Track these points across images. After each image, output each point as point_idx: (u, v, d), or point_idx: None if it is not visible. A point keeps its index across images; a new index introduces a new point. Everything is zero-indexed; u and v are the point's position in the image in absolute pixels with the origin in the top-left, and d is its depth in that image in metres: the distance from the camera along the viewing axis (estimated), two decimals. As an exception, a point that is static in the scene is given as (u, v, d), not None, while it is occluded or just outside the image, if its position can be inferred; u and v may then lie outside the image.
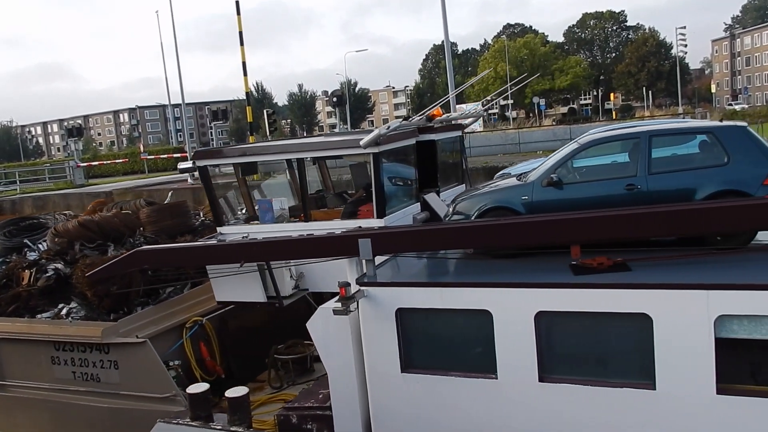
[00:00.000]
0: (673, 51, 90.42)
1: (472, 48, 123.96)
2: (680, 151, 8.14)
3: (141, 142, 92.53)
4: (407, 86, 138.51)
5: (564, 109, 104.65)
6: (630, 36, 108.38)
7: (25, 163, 70.70)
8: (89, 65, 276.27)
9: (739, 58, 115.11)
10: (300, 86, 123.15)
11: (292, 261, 9.18)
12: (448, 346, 7.59)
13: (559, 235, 7.21)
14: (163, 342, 10.20)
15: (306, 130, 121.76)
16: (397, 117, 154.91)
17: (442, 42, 39.00)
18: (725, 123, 8.11)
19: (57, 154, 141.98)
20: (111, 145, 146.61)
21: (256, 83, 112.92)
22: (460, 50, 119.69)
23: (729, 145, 7.57)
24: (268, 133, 40.13)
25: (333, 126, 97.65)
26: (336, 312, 7.35)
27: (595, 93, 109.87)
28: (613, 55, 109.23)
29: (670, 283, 6.40)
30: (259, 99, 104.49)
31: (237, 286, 9.54)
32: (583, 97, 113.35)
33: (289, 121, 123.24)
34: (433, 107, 10.45)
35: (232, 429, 8.50)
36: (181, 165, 11.35)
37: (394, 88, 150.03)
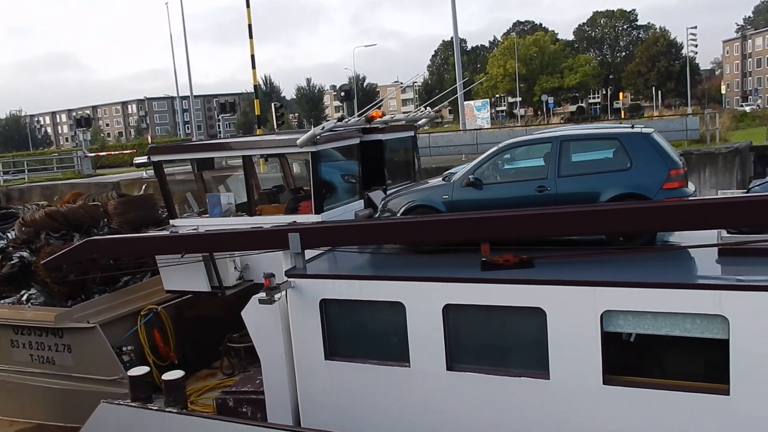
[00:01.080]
0: (684, 51, 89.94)
1: (481, 45, 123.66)
2: (590, 156, 8.52)
3: (149, 134, 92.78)
4: (415, 82, 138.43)
5: (572, 108, 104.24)
6: (640, 35, 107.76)
7: (34, 153, 70.91)
8: (97, 56, 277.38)
9: (750, 60, 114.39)
10: (308, 80, 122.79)
11: (236, 253, 9.61)
12: (366, 336, 8.13)
13: (470, 232, 7.59)
14: (116, 328, 10.64)
15: (314, 124, 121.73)
16: (404, 112, 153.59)
17: (452, 38, 38.90)
18: (630, 130, 8.41)
19: (65, 144, 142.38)
20: (119, 135, 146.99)
21: (265, 76, 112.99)
22: (469, 47, 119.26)
23: (632, 150, 7.93)
24: (275, 127, 40.18)
25: (340, 120, 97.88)
26: (261, 301, 7.83)
27: (604, 92, 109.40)
28: (623, 54, 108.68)
29: (561, 279, 6.82)
30: (267, 92, 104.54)
31: (183, 276, 9.92)
32: (591, 96, 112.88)
33: (296, 114, 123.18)
34: (370, 108, 10.81)
35: (166, 410, 8.85)
36: (137, 160, 12.03)
37: (402, 83, 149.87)
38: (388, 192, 9.97)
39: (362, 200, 10.52)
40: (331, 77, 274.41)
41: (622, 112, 64.59)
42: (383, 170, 11.08)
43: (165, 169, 10.76)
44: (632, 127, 8.65)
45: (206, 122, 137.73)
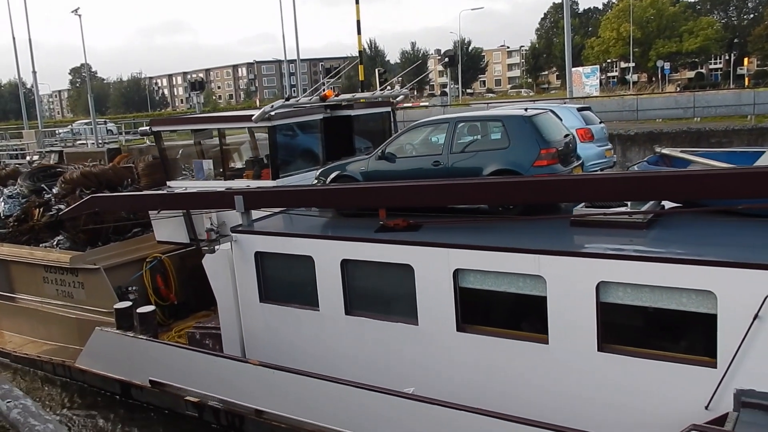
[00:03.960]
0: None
1: (594, 7, 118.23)
2: (478, 136, 9.80)
3: (258, 96, 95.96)
4: (522, 46, 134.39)
5: (691, 74, 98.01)
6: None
7: (152, 114, 75.08)
8: (208, 21, 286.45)
9: None
10: (413, 44, 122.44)
11: (211, 210, 11.15)
12: (288, 284, 9.61)
13: (371, 200, 8.97)
14: (124, 271, 12.69)
15: (417, 89, 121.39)
16: (510, 77, 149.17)
17: (563, 0, 37.51)
18: (514, 113, 9.60)
19: (180, 106, 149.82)
20: (229, 98, 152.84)
21: (369, 40, 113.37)
22: (581, 9, 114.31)
23: (511, 132, 9.10)
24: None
25: (444, 85, 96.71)
26: (204, 251, 10.21)
27: (727, 57, 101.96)
28: (752, 16, 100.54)
29: (424, 241, 8.12)
30: (372, 56, 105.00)
31: (168, 229, 11.97)
32: (713, 61, 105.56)
33: (400, 79, 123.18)
34: (325, 88, 12.38)
35: (140, 337, 10.93)
36: (141, 129, 15.29)
37: (508, 47, 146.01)
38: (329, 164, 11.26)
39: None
40: (437, 41, 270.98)
41: (746, 79, 60.24)
42: (352, 143, 12.70)
43: (164, 139, 13.01)
44: (526, 110, 9.65)
45: (312, 85, 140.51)
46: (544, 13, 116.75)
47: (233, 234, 9.75)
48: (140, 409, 11.16)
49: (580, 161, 10.19)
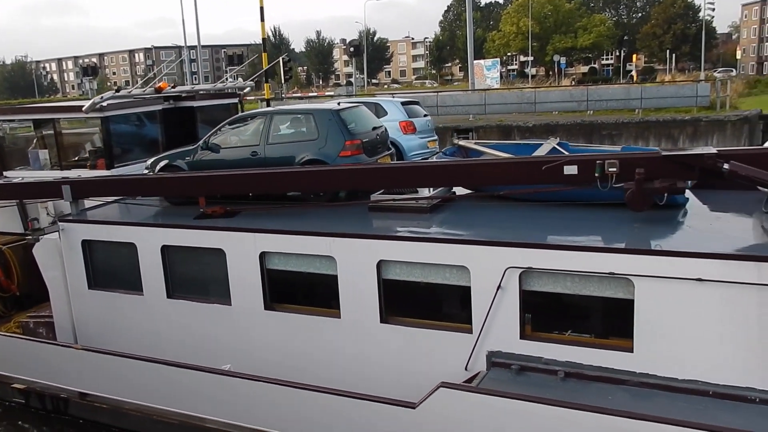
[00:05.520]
0: (701, 14, 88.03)
1: (495, 1, 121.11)
2: (291, 128, 10.42)
3: (175, 82, 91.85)
4: (427, 38, 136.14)
5: (585, 69, 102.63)
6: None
7: (40, 100, 70.66)
8: (101, 1, 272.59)
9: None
10: (318, 33, 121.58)
11: (44, 200, 11.38)
12: (114, 270, 9.94)
13: (190, 188, 9.51)
14: None
15: (322, 78, 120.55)
16: (414, 68, 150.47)
17: (464, -6, 38.14)
18: (325, 107, 10.33)
19: (71, 92, 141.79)
20: (126, 84, 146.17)
21: (274, 27, 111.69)
22: (483, 2, 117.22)
23: (320, 124, 9.78)
24: (283, 81, 39.82)
25: (349, 75, 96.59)
26: (28, 240, 10.62)
27: (617, 53, 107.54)
28: (639, 15, 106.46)
29: (233, 227, 8.72)
30: (276, 44, 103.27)
31: (3, 219, 12.02)
32: (605, 57, 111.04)
33: (305, 68, 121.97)
34: (159, 79, 12.80)
35: None
36: None
37: (413, 39, 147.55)
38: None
39: None
40: (342, 31, 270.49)
41: (635, 75, 63.69)
42: (195, 133, 12.91)
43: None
44: (339, 104, 10.46)
45: (214, 73, 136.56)
46: (448, 6, 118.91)
47: (61, 223, 9.97)
48: None
49: (390, 151, 10.90)
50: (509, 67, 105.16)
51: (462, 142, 10.39)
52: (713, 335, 6.29)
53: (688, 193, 8.48)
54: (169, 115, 12.82)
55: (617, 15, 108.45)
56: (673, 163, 7.09)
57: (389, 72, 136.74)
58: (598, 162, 7.18)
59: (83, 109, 11.25)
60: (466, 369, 7.32)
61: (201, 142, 10.45)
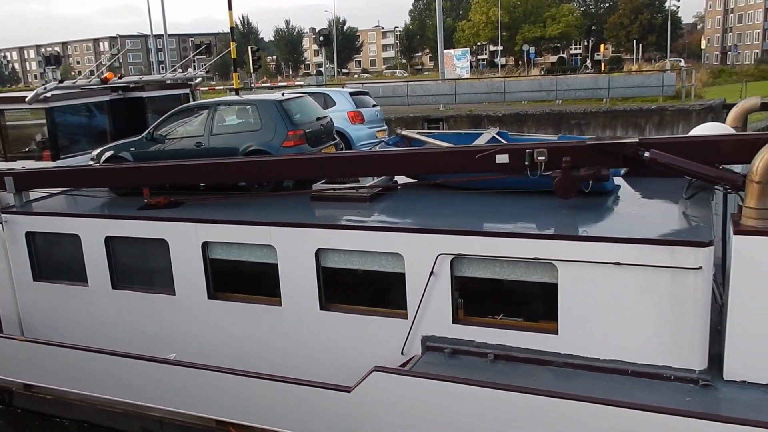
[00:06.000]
0: (667, 4, 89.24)
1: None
2: (235, 119, 10.53)
3: (122, 73, 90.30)
4: (397, 27, 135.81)
5: (554, 59, 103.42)
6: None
7: (1, 90, 68.90)
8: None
9: (731, 15, 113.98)
10: (287, 22, 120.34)
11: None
12: (59, 262, 9.95)
13: (133, 179, 9.58)
14: None
15: (292, 68, 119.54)
16: (385, 58, 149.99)
17: (433, -16, 38.04)
18: (268, 98, 10.40)
19: (34, 82, 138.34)
20: (90, 74, 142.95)
21: (242, 16, 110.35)
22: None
23: (263, 115, 9.87)
24: (252, 70, 39.39)
25: (319, 65, 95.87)
26: None
27: (585, 43, 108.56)
28: (607, 5, 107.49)
29: (176, 217, 8.80)
30: (245, 33, 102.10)
31: None
32: (573, 47, 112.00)
33: (275, 58, 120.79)
34: (104, 71, 12.87)
35: None
36: None
37: (383, 28, 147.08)
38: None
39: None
40: (312, 20, 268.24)
41: (603, 65, 64.32)
42: (145, 124, 12.68)
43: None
44: (283, 95, 10.55)
45: (180, 62, 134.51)
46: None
47: (3, 215, 9.97)
48: None
49: (335, 141, 10.99)
50: (479, 57, 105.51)
51: (405, 132, 10.52)
52: (631, 317, 6.53)
53: (621, 181, 8.75)
54: (117, 106, 12.82)
55: (585, 5, 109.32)
56: (598, 151, 7.26)
57: (359, 62, 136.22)
58: (527, 151, 7.37)
59: (26, 100, 11.18)
60: (402, 353, 7.52)
61: (145, 133, 10.44)
